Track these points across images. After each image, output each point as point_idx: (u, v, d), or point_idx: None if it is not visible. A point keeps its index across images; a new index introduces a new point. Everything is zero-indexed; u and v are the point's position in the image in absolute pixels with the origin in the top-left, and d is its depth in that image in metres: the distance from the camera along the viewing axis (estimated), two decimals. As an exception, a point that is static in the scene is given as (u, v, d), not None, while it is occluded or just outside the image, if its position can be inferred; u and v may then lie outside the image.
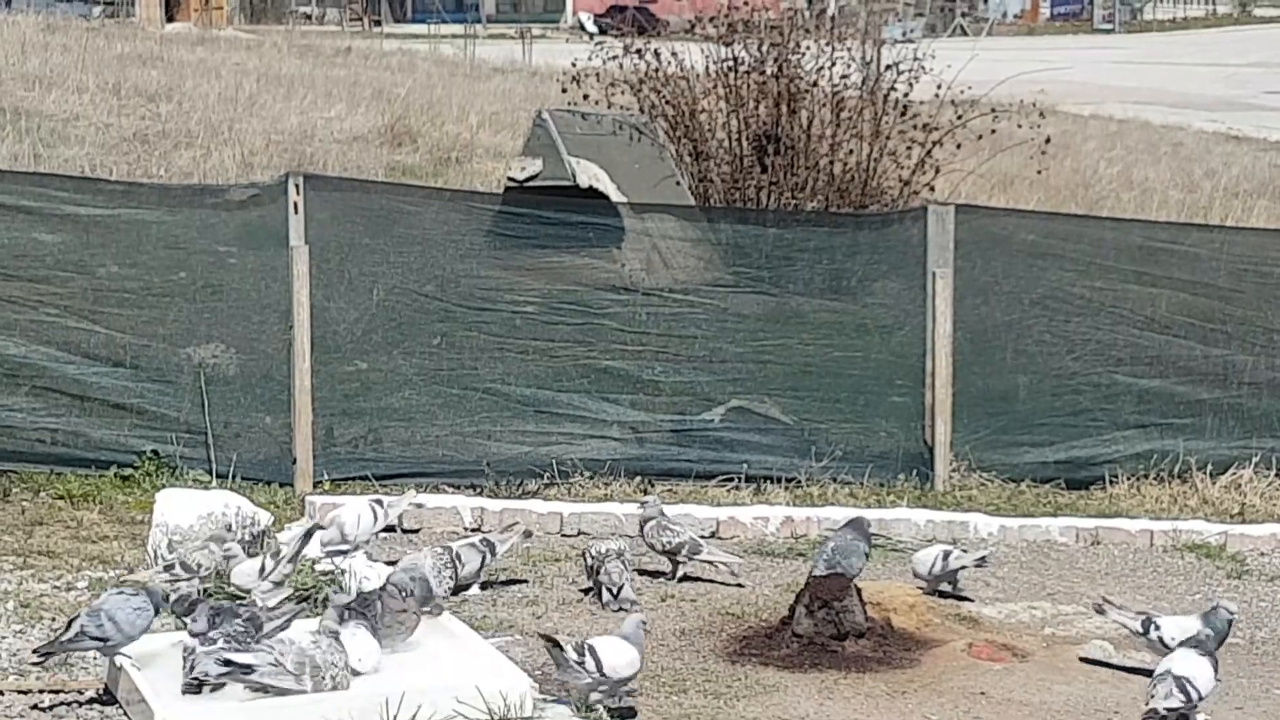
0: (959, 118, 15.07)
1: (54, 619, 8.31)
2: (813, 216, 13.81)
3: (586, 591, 9.16)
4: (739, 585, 9.49)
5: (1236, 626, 8.48)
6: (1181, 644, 7.83)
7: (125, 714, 7.16)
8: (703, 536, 9.88)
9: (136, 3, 51.62)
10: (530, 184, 13.33)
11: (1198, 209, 21.24)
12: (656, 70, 14.95)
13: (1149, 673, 7.75)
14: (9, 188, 11.49)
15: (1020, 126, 15.54)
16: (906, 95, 15.00)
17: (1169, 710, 7.41)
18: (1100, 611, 8.56)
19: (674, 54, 15.09)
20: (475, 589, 9.06)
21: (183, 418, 11.19)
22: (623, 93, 14.91)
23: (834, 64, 15.04)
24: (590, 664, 7.27)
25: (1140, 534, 10.86)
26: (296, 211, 11.24)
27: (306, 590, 8.44)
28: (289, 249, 11.19)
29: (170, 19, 49.78)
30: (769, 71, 14.87)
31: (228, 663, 6.79)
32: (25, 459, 11.05)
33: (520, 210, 12.30)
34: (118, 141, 19.61)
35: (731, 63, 14.97)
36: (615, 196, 13.11)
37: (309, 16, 62.02)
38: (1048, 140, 15.85)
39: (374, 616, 7.30)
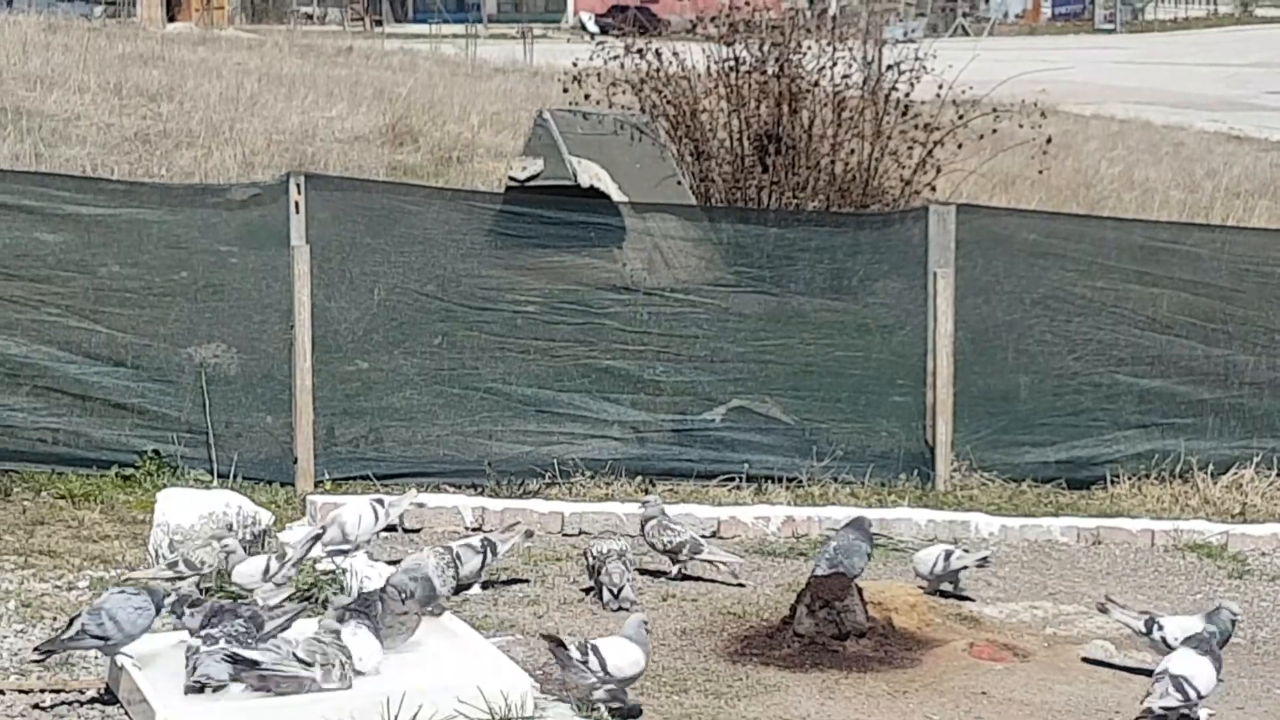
0: (960, 117, 15.07)
1: (55, 618, 8.30)
2: (814, 216, 13.82)
3: (588, 591, 9.16)
4: (740, 585, 9.49)
5: (1238, 626, 8.48)
6: (1184, 643, 7.82)
7: (126, 713, 7.16)
8: (704, 536, 9.88)
9: (138, 3, 51.66)
10: (531, 184, 13.34)
11: (1199, 209, 21.24)
12: (658, 70, 14.95)
13: (1151, 673, 7.75)
14: (10, 187, 11.50)
15: (1021, 126, 15.53)
16: (908, 95, 15.00)
17: (1164, 709, 7.40)
18: (1104, 611, 8.56)
19: (675, 54, 15.10)
20: (476, 588, 9.06)
21: (184, 417, 11.19)
22: (624, 92, 14.91)
23: (835, 64, 15.05)
24: (595, 663, 7.27)
25: (1141, 534, 10.85)
26: (298, 211, 11.24)
27: (307, 590, 8.45)
28: (290, 248, 11.19)
29: (171, 19, 49.80)
30: (770, 71, 14.88)
31: (234, 657, 6.79)
32: (27, 458, 11.04)
33: (521, 210, 12.30)
34: (119, 141, 19.62)
35: (733, 62, 14.97)
36: (616, 196, 13.11)
37: (310, 16, 62.06)
38: (1049, 140, 15.84)
39: (375, 617, 7.30)
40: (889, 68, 15.18)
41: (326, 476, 11.22)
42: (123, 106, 21.55)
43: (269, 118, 21.89)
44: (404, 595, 7.51)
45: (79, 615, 7.31)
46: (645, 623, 7.56)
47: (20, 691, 7.38)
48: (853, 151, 14.93)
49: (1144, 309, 12.66)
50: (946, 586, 9.43)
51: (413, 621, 7.50)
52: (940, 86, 15.34)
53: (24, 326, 11.14)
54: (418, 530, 10.25)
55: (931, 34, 34.14)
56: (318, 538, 8.80)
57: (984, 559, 9.62)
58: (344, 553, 8.96)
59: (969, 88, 15.66)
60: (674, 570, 9.53)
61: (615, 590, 8.92)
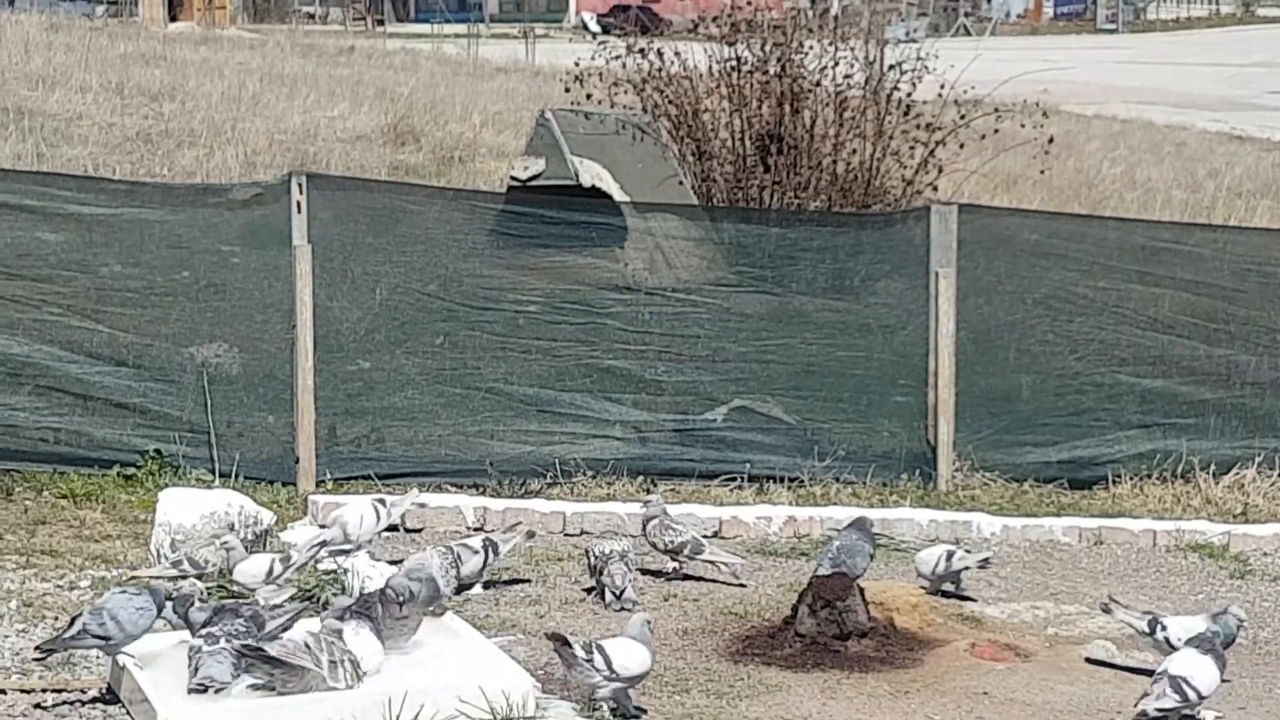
0: (962, 117, 15.06)
1: (57, 618, 8.30)
2: (816, 216, 13.81)
3: (589, 591, 9.16)
4: (741, 585, 9.49)
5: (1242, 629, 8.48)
6: (1187, 643, 7.82)
7: (128, 713, 7.16)
8: (705, 536, 9.88)
9: (140, 2, 51.67)
10: (533, 183, 13.33)
11: (1201, 209, 21.23)
12: (659, 70, 14.95)
13: (1153, 673, 7.74)
14: (12, 187, 11.50)
15: (1023, 126, 15.52)
16: (910, 95, 14.99)
17: (1159, 711, 7.39)
18: (1107, 611, 8.55)
19: (677, 53, 15.09)
20: (478, 588, 9.06)
21: (185, 417, 11.19)
22: (626, 92, 14.90)
23: (837, 64, 15.03)
24: (600, 662, 7.26)
25: (1143, 534, 10.85)
26: (299, 211, 11.23)
27: (308, 590, 8.44)
28: (292, 248, 11.19)
29: (173, 18, 49.82)
30: (772, 71, 14.87)
31: (245, 647, 6.78)
32: (28, 458, 11.04)
33: (523, 210, 12.29)
34: (121, 141, 19.62)
35: (735, 62, 14.96)
36: (618, 196, 13.11)
37: (312, 16, 62.12)
38: (1051, 140, 15.84)
39: (376, 617, 7.29)
40: (891, 67, 15.17)
41: (328, 476, 11.21)
42: (124, 106, 21.56)
43: (271, 117, 21.89)
44: (403, 598, 7.50)
45: (80, 615, 7.31)
46: (649, 622, 7.56)
47: (22, 691, 7.38)
48: (854, 151, 14.92)
49: (1146, 309, 12.66)
50: (948, 586, 9.43)
51: (414, 622, 7.50)
52: (942, 86, 15.33)
53: (26, 326, 11.14)
54: (419, 530, 10.25)
55: (933, 34, 34.20)
56: (324, 543, 8.80)
57: (986, 559, 9.62)
58: (345, 553, 8.95)
59: (971, 87, 15.65)
60: (669, 567, 9.52)
61: (617, 591, 8.92)
